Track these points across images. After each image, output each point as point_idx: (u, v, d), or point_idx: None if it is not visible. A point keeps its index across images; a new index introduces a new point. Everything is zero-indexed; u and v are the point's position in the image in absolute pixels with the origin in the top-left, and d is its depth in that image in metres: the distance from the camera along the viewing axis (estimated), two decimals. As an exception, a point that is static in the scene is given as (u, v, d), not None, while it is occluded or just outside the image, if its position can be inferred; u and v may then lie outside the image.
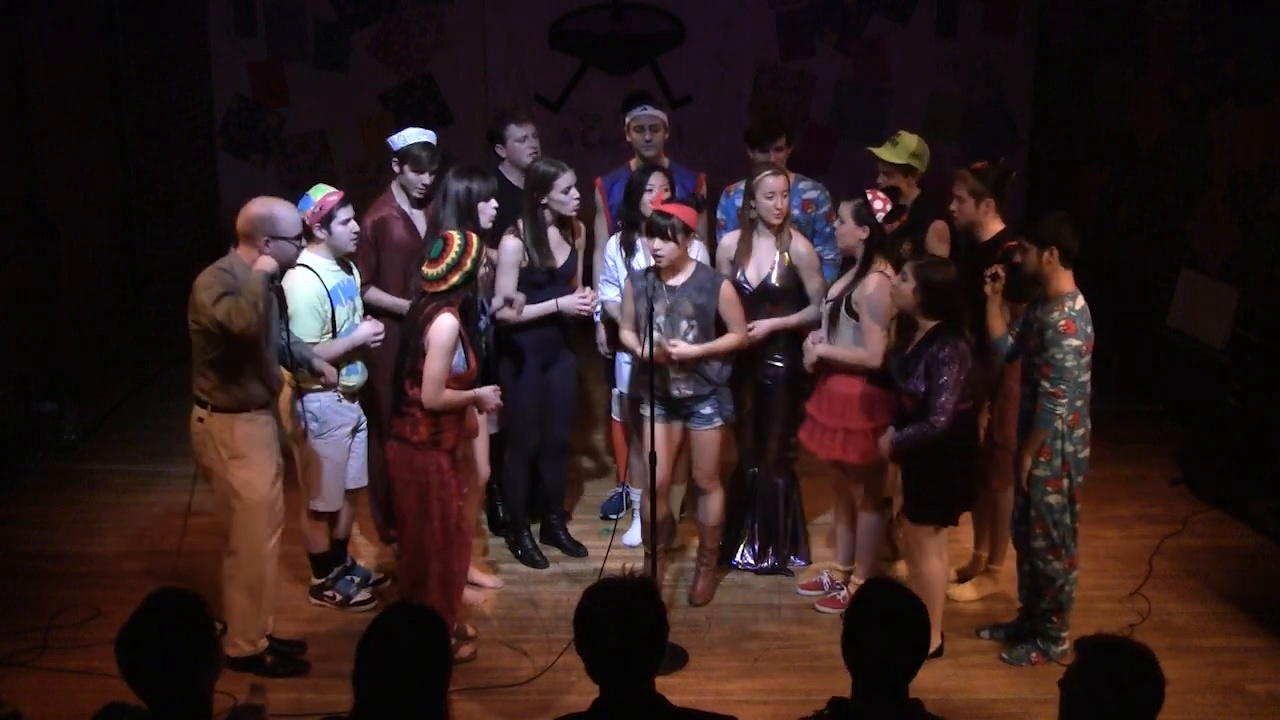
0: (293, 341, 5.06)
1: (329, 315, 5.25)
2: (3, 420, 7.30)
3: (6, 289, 7.50)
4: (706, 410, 5.48)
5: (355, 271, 5.50)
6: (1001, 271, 5.10)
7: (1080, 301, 4.93)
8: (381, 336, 5.34)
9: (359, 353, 5.38)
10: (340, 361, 5.31)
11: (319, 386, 5.28)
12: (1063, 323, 4.86)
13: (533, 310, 5.70)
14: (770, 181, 5.53)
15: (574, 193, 5.66)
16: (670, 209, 5.31)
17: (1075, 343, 4.86)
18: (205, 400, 4.85)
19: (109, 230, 9.07)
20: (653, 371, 5.24)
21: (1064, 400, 4.89)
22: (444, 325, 4.78)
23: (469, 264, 4.83)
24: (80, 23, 8.62)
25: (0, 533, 6.41)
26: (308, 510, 5.52)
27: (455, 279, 4.81)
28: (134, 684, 2.84)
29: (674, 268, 5.32)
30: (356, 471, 5.58)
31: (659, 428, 5.39)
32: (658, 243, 5.22)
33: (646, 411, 5.36)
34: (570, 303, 5.72)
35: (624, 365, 5.93)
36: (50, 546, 6.26)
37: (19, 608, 5.59)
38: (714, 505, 5.68)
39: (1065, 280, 4.94)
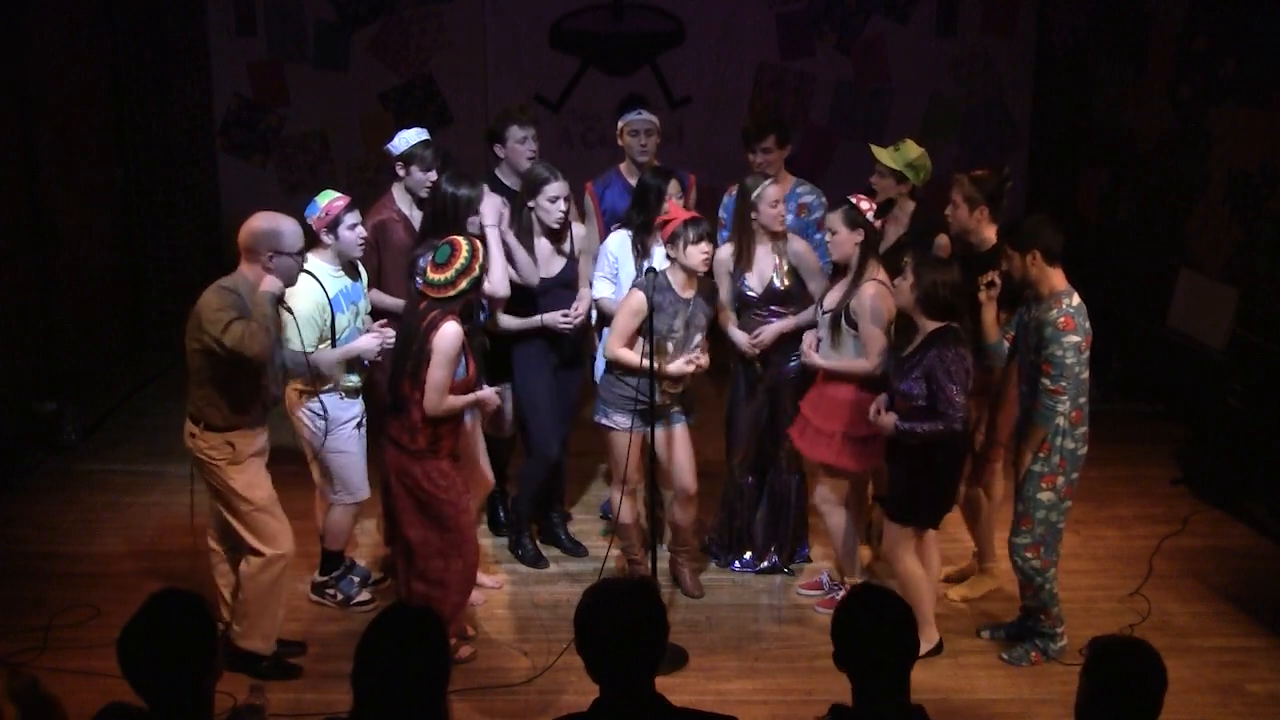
0: (285, 355, 5.05)
1: (328, 323, 5.24)
2: (3, 420, 7.31)
3: (6, 289, 7.51)
4: (676, 409, 5.53)
5: (363, 276, 5.49)
6: (998, 279, 5.10)
7: (1076, 298, 4.93)
8: (390, 345, 5.26)
9: (355, 361, 5.36)
10: (338, 366, 5.31)
11: (328, 388, 5.29)
12: (1061, 320, 4.85)
13: (517, 324, 5.70)
14: (771, 191, 5.56)
15: (561, 204, 5.61)
16: (682, 213, 5.33)
17: (1074, 339, 4.85)
18: (199, 418, 4.83)
19: (109, 230, 9.07)
20: (653, 378, 5.24)
21: (1064, 397, 4.88)
22: (449, 333, 4.77)
23: (477, 269, 4.83)
24: (80, 23, 8.62)
25: (0, 533, 6.42)
26: (326, 508, 5.54)
27: (464, 284, 4.81)
28: (135, 684, 2.84)
29: (696, 280, 5.33)
30: None
31: (635, 436, 5.39)
32: (705, 245, 5.24)
33: (619, 421, 5.38)
34: (553, 319, 5.72)
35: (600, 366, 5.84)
36: (50, 546, 6.26)
37: (19, 608, 5.59)
38: (693, 506, 5.69)
39: (1057, 279, 4.93)
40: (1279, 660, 5.32)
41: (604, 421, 5.51)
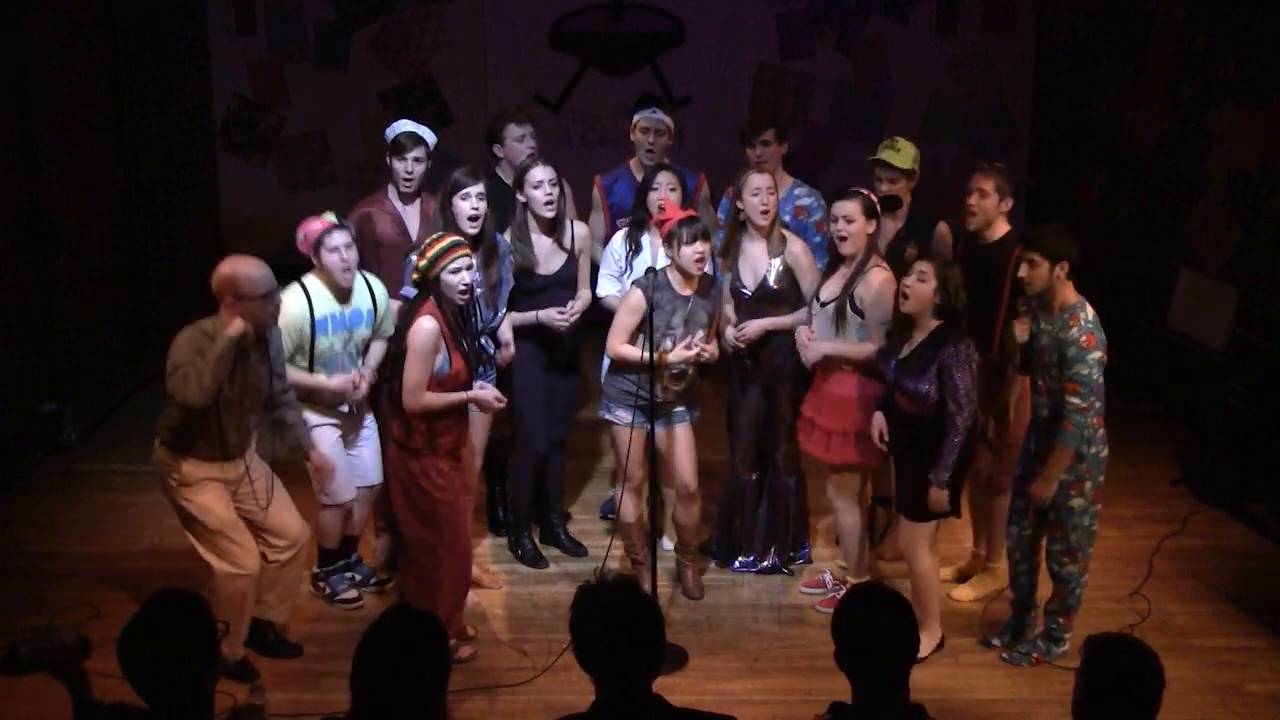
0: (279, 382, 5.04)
1: (307, 342, 5.21)
2: (3, 420, 7.31)
3: (6, 289, 7.51)
4: (680, 408, 5.52)
5: (378, 301, 5.39)
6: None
7: (1090, 310, 4.87)
8: (358, 394, 5.33)
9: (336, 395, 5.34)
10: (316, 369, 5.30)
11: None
12: (1083, 338, 4.80)
13: (514, 319, 5.69)
14: (754, 179, 5.53)
15: (545, 188, 5.57)
16: (678, 212, 5.32)
17: (1097, 355, 4.82)
18: (157, 432, 4.89)
19: (109, 230, 9.07)
20: (653, 377, 5.23)
21: (1091, 411, 4.87)
22: (421, 328, 4.77)
23: (447, 249, 4.81)
24: (80, 23, 8.62)
25: (0, 533, 6.42)
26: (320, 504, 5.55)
27: (425, 264, 4.81)
28: (135, 684, 2.84)
29: (695, 278, 5.32)
30: (370, 468, 5.58)
31: (637, 433, 5.37)
32: (699, 245, 5.23)
33: (622, 416, 5.38)
34: (549, 316, 5.71)
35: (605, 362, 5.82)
36: (50, 546, 6.26)
37: (19, 608, 5.59)
38: (695, 505, 5.68)
39: (1069, 291, 4.89)
40: (1279, 660, 5.32)
41: (607, 417, 5.54)
